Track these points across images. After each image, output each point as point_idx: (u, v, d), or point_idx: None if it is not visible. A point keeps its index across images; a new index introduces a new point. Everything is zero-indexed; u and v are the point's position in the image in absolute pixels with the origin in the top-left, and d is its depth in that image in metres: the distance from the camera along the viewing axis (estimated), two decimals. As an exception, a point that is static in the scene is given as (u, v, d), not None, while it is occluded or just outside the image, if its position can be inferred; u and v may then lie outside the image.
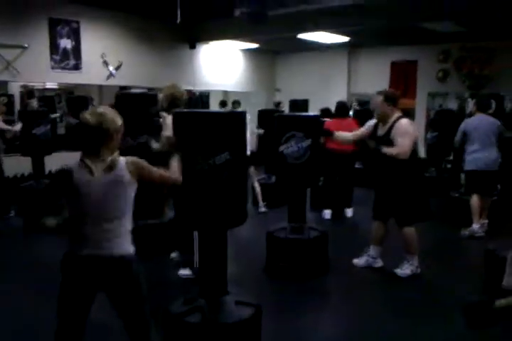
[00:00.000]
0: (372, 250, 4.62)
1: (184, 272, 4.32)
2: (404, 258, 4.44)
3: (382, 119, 4.30)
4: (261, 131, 7.45)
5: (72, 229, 2.27)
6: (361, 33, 9.38)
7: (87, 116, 2.20)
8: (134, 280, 2.27)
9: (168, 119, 4.05)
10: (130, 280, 2.27)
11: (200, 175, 2.62)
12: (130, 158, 2.27)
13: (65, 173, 2.21)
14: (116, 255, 2.23)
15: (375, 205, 4.54)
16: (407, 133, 4.13)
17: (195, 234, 4.00)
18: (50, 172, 7.83)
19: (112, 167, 2.19)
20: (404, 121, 4.21)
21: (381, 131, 4.31)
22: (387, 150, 4.15)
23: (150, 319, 2.34)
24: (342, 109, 6.82)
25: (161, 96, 4.66)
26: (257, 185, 7.03)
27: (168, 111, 4.26)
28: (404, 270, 4.40)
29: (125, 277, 2.25)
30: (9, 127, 6.76)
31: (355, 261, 4.69)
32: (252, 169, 6.95)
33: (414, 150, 4.23)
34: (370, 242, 4.63)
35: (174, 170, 2.52)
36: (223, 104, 11.00)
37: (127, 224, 2.29)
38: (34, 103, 8.36)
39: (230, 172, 2.65)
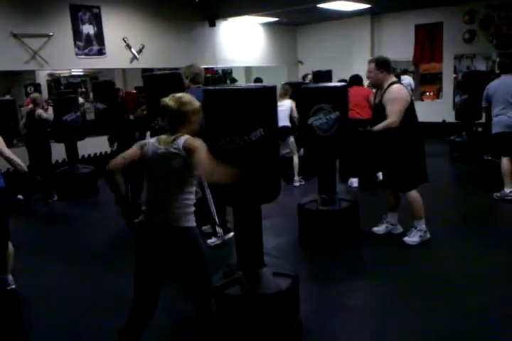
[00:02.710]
0: (390, 217, 4.69)
1: (211, 240, 4.64)
2: (412, 224, 4.44)
3: (378, 86, 4.31)
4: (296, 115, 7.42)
5: (144, 197, 2.47)
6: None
7: (169, 101, 2.39)
8: (191, 250, 2.40)
9: None
10: (187, 251, 2.39)
11: (235, 151, 2.65)
12: (189, 136, 2.38)
13: (141, 144, 2.43)
14: (174, 225, 2.36)
15: (382, 175, 4.67)
16: (396, 99, 4.09)
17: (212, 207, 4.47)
18: (83, 157, 8.05)
19: (174, 140, 2.36)
20: (396, 86, 4.17)
21: (377, 99, 4.32)
22: (378, 127, 4.14)
23: (209, 287, 2.50)
24: (355, 79, 6.87)
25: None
26: (296, 157, 7.07)
27: (188, 88, 4.61)
28: (413, 237, 4.40)
29: (182, 248, 2.38)
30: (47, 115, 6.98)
31: (375, 229, 4.74)
32: (291, 139, 6.99)
33: (411, 116, 4.18)
34: (387, 210, 4.69)
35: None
36: (233, 81, 10.85)
37: (185, 198, 2.39)
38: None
39: (264, 148, 2.68)
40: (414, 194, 4.33)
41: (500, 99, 5.63)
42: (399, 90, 4.16)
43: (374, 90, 4.56)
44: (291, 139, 7.00)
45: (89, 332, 3.21)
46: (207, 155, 2.31)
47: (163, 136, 2.41)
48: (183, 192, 2.39)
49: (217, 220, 4.61)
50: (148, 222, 2.40)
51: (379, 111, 4.26)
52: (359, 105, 6.30)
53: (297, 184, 7.03)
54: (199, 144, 2.33)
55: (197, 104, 2.44)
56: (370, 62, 4.29)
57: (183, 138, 2.35)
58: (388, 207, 4.67)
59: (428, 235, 4.41)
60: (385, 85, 4.20)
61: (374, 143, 4.29)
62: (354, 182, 6.79)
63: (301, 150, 6.87)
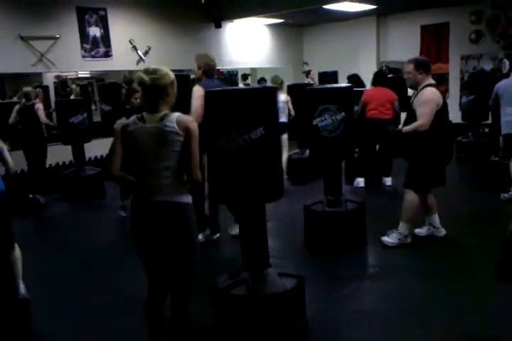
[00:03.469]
0: (431, 220, 4.58)
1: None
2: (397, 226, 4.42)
3: (415, 87, 4.24)
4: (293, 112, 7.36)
5: (135, 177, 2.45)
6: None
7: (142, 75, 2.35)
8: (184, 226, 2.43)
9: (195, 90, 4.28)
10: (183, 224, 2.42)
11: (235, 151, 2.67)
12: (184, 115, 2.40)
13: (122, 127, 2.40)
14: (168, 201, 2.38)
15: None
16: (426, 102, 4.03)
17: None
18: (90, 159, 8.08)
19: (163, 118, 2.34)
20: (429, 89, 4.09)
21: (412, 99, 4.27)
22: (407, 128, 4.10)
23: (192, 282, 2.53)
24: (380, 78, 6.73)
25: (192, 76, 4.78)
26: (285, 155, 7.00)
27: (199, 80, 4.48)
28: (391, 238, 4.41)
29: (176, 223, 2.41)
30: (50, 122, 6.98)
31: (417, 230, 4.63)
32: (285, 136, 6.94)
33: (442, 120, 4.11)
34: (425, 214, 4.59)
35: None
36: (245, 77, 10.81)
37: (180, 175, 2.41)
38: (77, 89, 8.69)
39: (265, 147, 2.69)
40: (411, 195, 4.27)
41: (509, 99, 5.58)
42: (431, 93, 4.08)
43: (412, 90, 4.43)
44: (285, 136, 6.92)
45: (92, 333, 3.23)
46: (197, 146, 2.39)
47: (145, 115, 2.38)
48: (178, 170, 2.39)
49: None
50: (145, 199, 2.41)
51: (412, 112, 4.19)
52: (382, 107, 6.27)
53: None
54: (195, 126, 2.37)
55: (172, 75, 2.42)
56: (409, 62, 4.19)
57: (175, 116, 2.35)
58: (425, 210, 4.56)
59: (409, 240, 4.38)
60: (420, 87, 4.14)
61: (400, 143, 4.25)
62: (360, 182, 6.76)
63: (307, 151, 6.88)
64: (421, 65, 4.15)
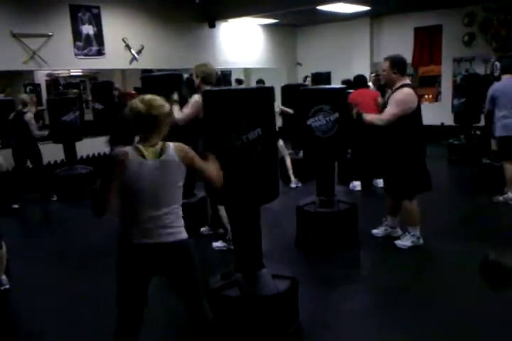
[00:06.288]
0: (390, 220, 4.64)
1: (217, 244, 4.57)
2: (406, 229, 4.43)
3: (389, 86, 4.24)
4: (291, 111, 7.34)
5: (125, 218, 2.30)
6: (382, 0, 9.18)
7: (138, 104, 2.24)
8: (191, 262, 2.37)
9: (193, 98, 4.24)
10: (187, 263, 2.36)
11: (233, 152, 2.65)
12: (177, 144, 2.30)
13: (118, 158, 2.20)
14: (174, 241, 2.29)
15: (384, 179, 4.63)
16: (399, 103, 4.01)
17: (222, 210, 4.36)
18: (81, 157, 8.04)
19: (162, 151, 2.24)
20: (405, 90, 4.05)
21: (386, 98, 4.28)
22: (369, 117, 4.14)
23: (201, 287, 2.46)
24: (361, 80, 6.78)
25: (185, 76, 4.72)
26: (288, 159, 7.07)
27: (199, 89, 4.37)
28: (405, 241, 4.39)
29: (183, 261, 2.35)
30: (39, 133, 6.82)
31: (374, 231, 4.71)
32: (280, 143, 6.97)
33: (415, 122, 4.11)
34: (387, 213, 4.65)
35: (212, 169, 2.43)
36: (239, 82, 10.71)
37: (180, 210, 2.35)
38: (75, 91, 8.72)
39: (262, 148, 2.68)
40: (412, 204, 4.27)
41: (507, 101, 5.52)
42: (406, 94, 4.04)
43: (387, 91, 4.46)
44: (280, 142, 6.95)
45: (83, 333, 3.21)
46: (202, 161, 2.36)
47: (141, 147, 2.22)
48: (179, 203, 2.34)
49: (228, 226, 4.30)
50: (145, 243, 2.25)
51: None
52: (369, 106, 6.28)
53: (294, 185, 7.02)
54: (192, 152, 2.32)
55: (167, 106, 2.33)
56: (385, 60, 4.16)
57: (171, 147, 2.26)
58: (388, 210, 4.64)
59: (421, 241, 4.37)
60: (396, 86, 4.11)
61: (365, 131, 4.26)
62: (357, 185, 6.73)
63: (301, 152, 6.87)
64: (396, 64, 4.12)
